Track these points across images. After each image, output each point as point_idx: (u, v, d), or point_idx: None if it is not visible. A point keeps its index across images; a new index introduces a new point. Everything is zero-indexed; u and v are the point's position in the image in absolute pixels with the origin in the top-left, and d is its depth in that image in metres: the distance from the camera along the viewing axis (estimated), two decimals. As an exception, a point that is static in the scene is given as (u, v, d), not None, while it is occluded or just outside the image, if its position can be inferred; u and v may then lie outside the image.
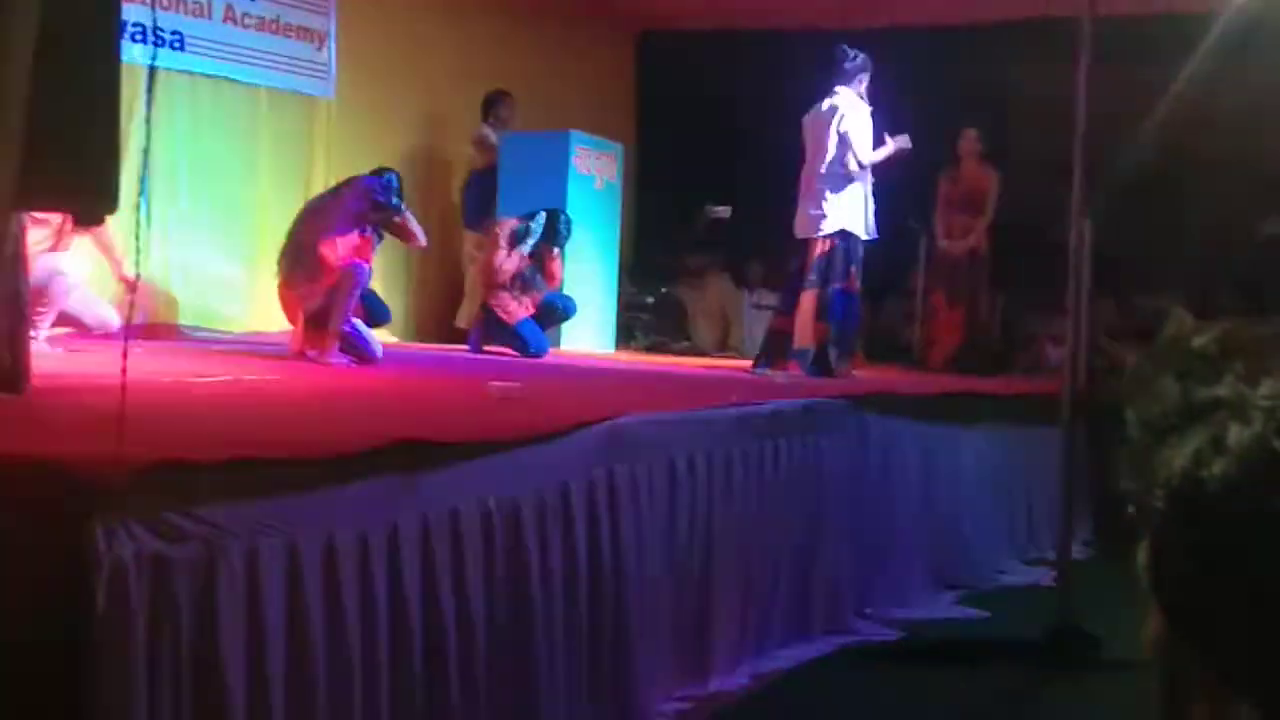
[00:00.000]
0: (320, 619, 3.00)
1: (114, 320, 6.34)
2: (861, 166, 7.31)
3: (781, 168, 8.15)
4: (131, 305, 2.34)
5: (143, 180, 2.11)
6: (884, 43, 8.44)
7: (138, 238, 2.28)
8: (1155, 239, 9.02)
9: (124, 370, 2.19)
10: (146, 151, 1.99)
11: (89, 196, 2.11)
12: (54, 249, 5.93)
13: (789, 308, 7.46)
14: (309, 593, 2.97)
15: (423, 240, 7.01)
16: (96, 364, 5.43)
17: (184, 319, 7.99)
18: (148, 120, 2.04)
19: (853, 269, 7.36)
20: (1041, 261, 9.42)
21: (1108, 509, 7.70)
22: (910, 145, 7.42)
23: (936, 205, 9.33)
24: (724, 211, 10.41)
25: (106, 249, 6.41)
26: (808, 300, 7.31)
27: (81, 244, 6.30)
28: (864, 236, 7.38)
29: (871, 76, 7.52)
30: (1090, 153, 5.58)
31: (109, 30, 2.02)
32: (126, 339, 2.23)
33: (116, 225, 5.83)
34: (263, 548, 2.86)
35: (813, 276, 7.31)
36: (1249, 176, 8.77)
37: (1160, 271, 9.14)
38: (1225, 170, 8.83)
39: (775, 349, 7.50)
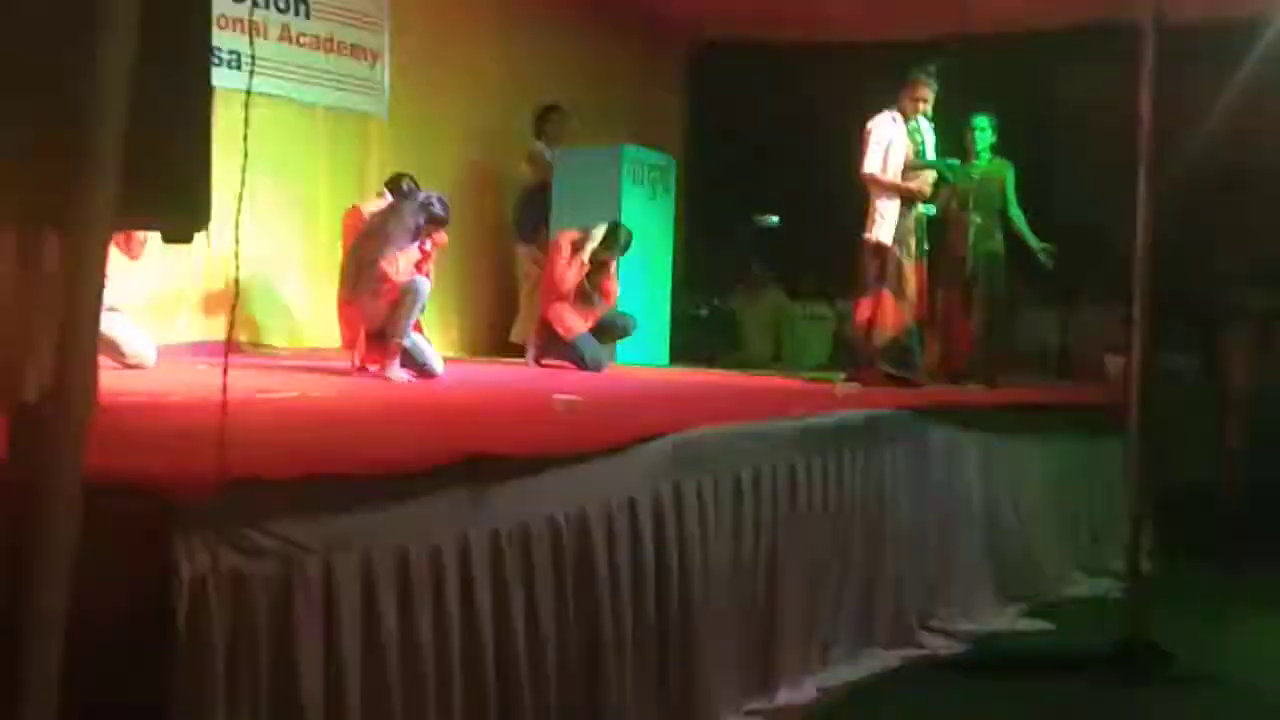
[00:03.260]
0: (395, 633, 3.00)
1: (151, 357, 6.19)
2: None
3: (832, 178, 8.16)
4: (232, 325, 2.35)
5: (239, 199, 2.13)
6: (936, 53, 8.39)
7: (237, 256, 2.31)
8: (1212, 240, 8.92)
9: (224, 388, 2.20)
10: (244, 169, 2.01)
11: (181, 213, 2.12)
12: None
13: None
14: (383, 607, 2.97)
15: None
16: (159, 380, 5.48)
17: (243, 336, 8.05)
18: (244, 139, 2.05)
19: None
20: (1101, 270, 9.34)
21: (1171, 518, 7.62)
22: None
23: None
24: (772, 221, 10.37)
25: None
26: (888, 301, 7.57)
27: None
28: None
29: (934, 91, 7.65)
30: (1150, 157, 5.52)
31: (202, 46, 2.03)
32: (227, 357, 2.23)
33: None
34: (338, 563, 2.86)
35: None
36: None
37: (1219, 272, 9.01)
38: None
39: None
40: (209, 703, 2.54)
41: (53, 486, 2.02)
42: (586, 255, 8.11)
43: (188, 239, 2.28)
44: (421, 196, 6.71)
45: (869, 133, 7.60)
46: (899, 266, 7.56)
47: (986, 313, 8.33)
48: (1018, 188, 8.34)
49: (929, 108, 7.71)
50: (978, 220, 8.23)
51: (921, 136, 7.72)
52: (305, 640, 2.77)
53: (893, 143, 7.57)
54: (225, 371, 2.39)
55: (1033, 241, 8.28)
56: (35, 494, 2.04)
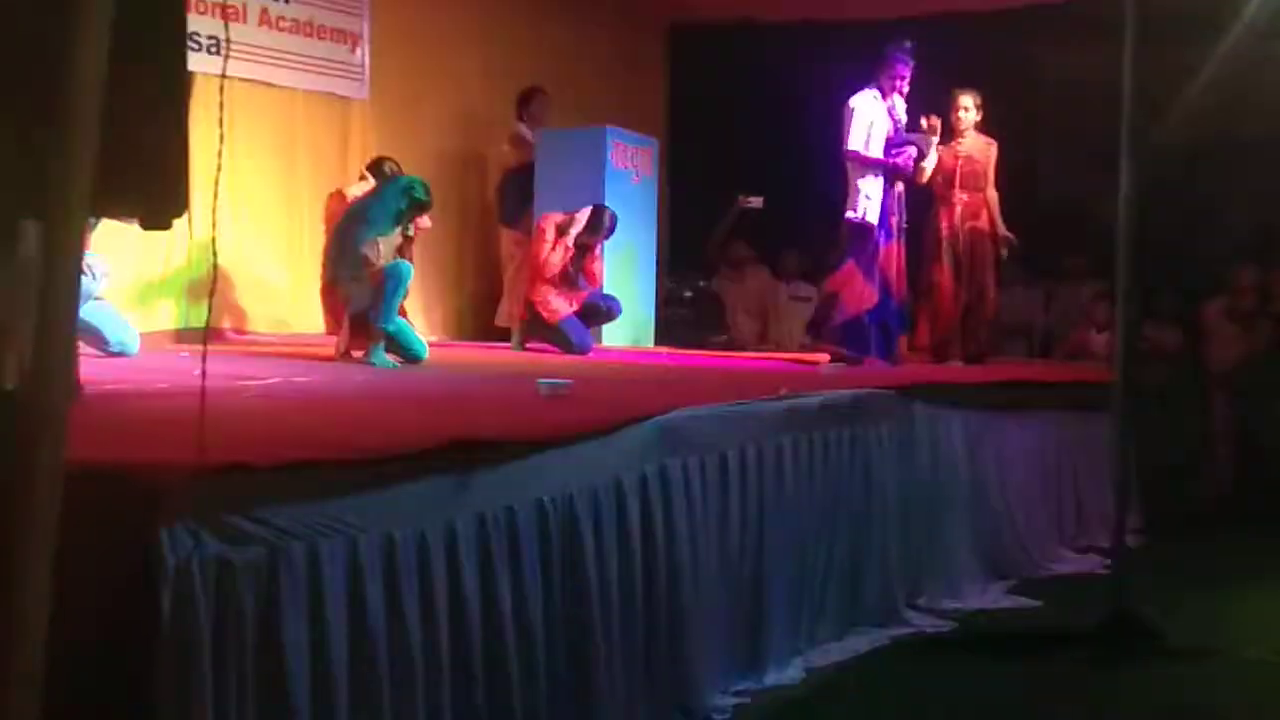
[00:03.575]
0: (381, 619, 2.99)
1: (134, 346, 6.13)
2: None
3: (815, 158, 8.16)
4: (210, 310, 2.34)
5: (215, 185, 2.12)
6: (916, 32, 8.38)
7: (214, 242, 2.29)
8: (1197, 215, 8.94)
9: (204, 374, 2.19)
10: (220, 154, 1.99)
11: (159, 201, 2.11)
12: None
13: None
14: (370, 593, 2.96)
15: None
16: (141, 369, 5.46)
17: (226, 322, 8.03)
18: (220, 123, 2.04)
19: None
20: (1085, 247, 9.36)
21: (1157, 495, 7.65)
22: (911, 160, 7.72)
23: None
24: (756, 201, 10.36)
25: None
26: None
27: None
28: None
29: (911, 69, 7.69)
30: (1131, 133, 5.52)
31: (176, 32, 2.01)
32: (206, 343, 2.22)
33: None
34: (324, 549, 2.85)
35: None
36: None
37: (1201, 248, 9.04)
38: (1264, 147, 8.72)
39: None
40: (195, 690, 2.53)
41: (34, 473, 2.01)
42: (571, 238, 8.10)
43: (166, 225, 2.26)
44: (404, 180, 6.69)
45: (852, 111, 7.63)
46: (875, 246, 7.60)
47: (972, 291, 8.31)
48: (1000, 166, 8.33)
49: (906, 85, 7.73)
50: (964, 198, 8.22)
51: (901, 114, 7.76)
52: (291, 626, 2.76)
53: (875, 120, 7.61)
54: (205, 358, 2.38)
55: (999, 227, 8.29)
56: (16, 481, 2.03)
